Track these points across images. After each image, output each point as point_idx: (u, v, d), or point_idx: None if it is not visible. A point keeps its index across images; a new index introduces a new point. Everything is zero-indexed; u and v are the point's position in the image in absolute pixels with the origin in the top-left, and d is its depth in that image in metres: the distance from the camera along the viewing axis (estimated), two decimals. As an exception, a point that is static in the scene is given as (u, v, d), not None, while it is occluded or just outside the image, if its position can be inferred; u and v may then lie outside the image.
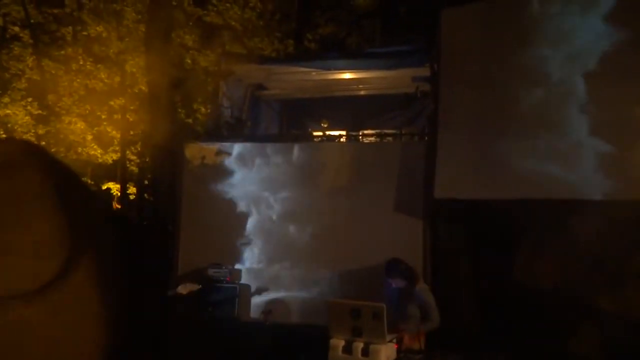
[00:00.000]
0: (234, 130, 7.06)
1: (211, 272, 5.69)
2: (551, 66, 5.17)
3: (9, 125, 14.77)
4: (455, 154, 5.40)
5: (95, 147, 15.48)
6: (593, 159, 4.99)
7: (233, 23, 12.34)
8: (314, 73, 7.38)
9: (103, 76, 14.54)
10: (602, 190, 4.92)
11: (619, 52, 4.99)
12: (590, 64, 5.06)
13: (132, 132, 15.54)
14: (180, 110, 12.60)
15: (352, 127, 7.24)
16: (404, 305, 4.33)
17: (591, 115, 5.03)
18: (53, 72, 14.58)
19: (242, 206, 6.27)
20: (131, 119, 14.93)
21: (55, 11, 14.11)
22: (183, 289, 4.62)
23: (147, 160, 11.01)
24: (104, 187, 17.34)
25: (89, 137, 15.14)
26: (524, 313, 5.03)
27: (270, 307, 5.06)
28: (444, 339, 4.44)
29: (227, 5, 12.32)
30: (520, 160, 5.17)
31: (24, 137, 14.63)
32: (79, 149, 15.21)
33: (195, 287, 4.71)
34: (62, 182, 1.54)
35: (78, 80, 14.42)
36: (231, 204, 6.27)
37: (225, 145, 6.48)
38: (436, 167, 5.42)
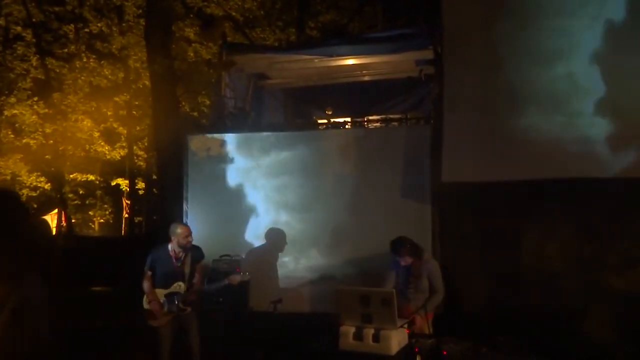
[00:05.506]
0: (238, 121, 7.02)
1: (220, 263, 5.70)
2: (558, 41, 5.05)
3: (17, 125, 14.87)
4: (462, 137, 5.32)
5: (102, 143, 15.56)
6: (604, 136, 4.88)
7: (234, 14, 12.25)
8: (316, 60, 7.29)
9: (107, 72, 14.56)
10: (614, 168, 4.83)
11: (626, 23, 4.86)
12: (598, 36, 4.93)
13: (138, 128, 15.58)
14: (184, 103, 12.58)
15: (357, 113, 7.17)
16: (415, 281, 4.33)
17: (602, 91, 4.92)
18: (57, 70, 14.62)
19: (248, 196, 6.25)
20: (137, 115, 14.97)
21: (57, 9, 14.10)
22: (234, 280, 4.64)
23: (154, 154, 11.03)
24: (113, 183, 17.50)
25: (96, 134, 15.21)
26: (535, 296, 4.99)
27: (280, 296, 5.04)
28: (454, 324, 4.42)
29: (227, -5, 12.23)
30: (529, 140, 5.07)
31: (32, 136, 14.75)
32: (87, 146, 15.29)
33: (246, 276, 4.71)
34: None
35: (82, 77, 14.45)
36: (238, 194, 6.26)
37: (230, 136, 6.45)
38: (443, 150, 5.35)
